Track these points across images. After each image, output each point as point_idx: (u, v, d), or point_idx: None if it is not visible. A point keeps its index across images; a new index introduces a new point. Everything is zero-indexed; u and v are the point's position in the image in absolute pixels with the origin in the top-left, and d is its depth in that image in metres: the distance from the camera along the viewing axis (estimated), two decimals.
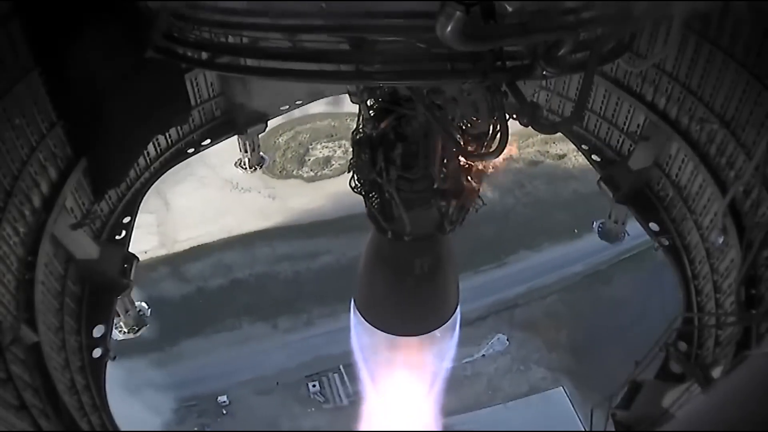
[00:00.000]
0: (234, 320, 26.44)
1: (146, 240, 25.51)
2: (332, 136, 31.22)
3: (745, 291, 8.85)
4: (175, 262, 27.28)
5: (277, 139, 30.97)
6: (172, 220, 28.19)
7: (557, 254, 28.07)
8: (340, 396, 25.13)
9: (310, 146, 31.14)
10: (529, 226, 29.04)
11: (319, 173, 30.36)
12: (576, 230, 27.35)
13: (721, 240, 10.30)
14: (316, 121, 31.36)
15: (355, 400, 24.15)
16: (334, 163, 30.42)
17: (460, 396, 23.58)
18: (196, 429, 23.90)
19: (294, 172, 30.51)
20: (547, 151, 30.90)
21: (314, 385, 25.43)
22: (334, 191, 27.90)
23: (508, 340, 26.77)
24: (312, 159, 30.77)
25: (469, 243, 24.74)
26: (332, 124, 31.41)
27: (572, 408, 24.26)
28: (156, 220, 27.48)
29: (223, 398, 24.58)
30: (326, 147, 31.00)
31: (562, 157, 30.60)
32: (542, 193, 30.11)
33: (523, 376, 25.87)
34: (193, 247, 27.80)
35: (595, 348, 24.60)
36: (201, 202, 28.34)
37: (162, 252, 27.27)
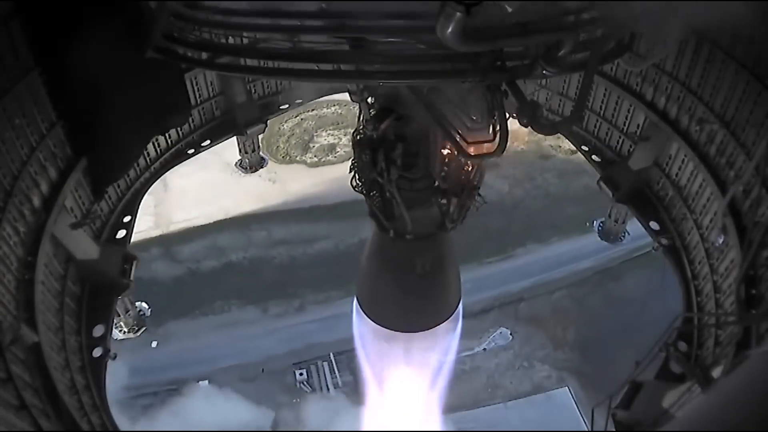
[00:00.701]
0: (223, 303, 25.96)
1: (142, 220, 24.68)
2: (338, 123, 30.96)
3: (745, 291, 8.84)
4: (168, 242, 26.78)
5: (282, 125, 30.75)
6: (169, 201, 27.79)
7: (566, 249, 27.21)
8: (327, 386, 24.46)
9: (315, 133, 30.84)
10: (537, 219, 28.24)
11: (322, 159, 29.94)
12: (588, 224, 26.35)
13: (721, 240, 10.29)
14: (323, 109, 31.13)
15: (344, 391, 23.76)
16: (339, 150, 30.04)
17: (457, 392, 22.45)
18: None
19: (297, 158, 30.09)
20: (560, 146, 30.48)
21: (301, 374, 24.57)
22: (337, 177, 27.08)
23: (511, 334, 25.83)
24: (317, 146, 30.41)
25: (475, 234, 24.22)
26: (338, 111, 31.14)
27: (578, 410, 23.21)
28: (153, 201, 27.05)
29: (204, 383, 23.84)
30: (331, 134, 30.71)
31: (574, 152, 30.03)
32: (553, 187, 29.27)
33: (525, 374, 24.94)
34: (188, 228, 27.31)
35: (604, 347, 23.57)
36: (200, 184, 27.93)
37: (156, 232, 26.81)
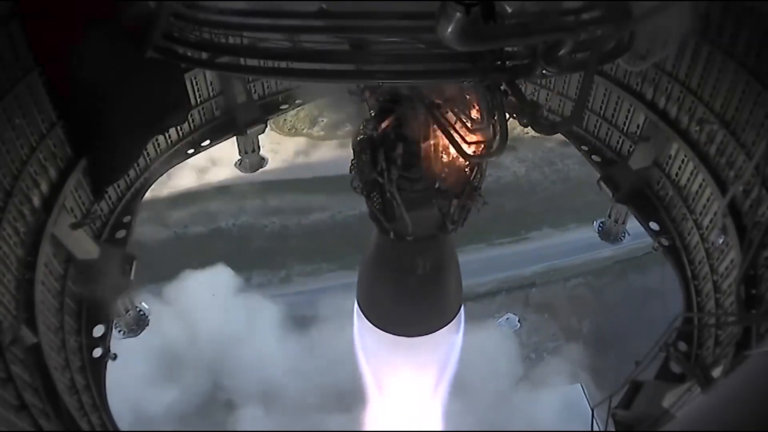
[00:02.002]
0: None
1: None
2: None
3: (745, 291, 8.84)
4: (159, 207, 25.70)
5: None
6: None
7: (586, 235, 24.47)
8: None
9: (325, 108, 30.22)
10: (556, 203, 26.56)
11: (329, 134, 29.01)
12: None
13: (721, 240, 10.30)
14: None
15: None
16: (348, 125, 29.33)
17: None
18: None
19: (303, 131, 29.14)
20: None
21: None
22: (341, 151, 25.85)
23: (519, 321, 23.94)
24: (325, 120, 29.36)
25: (487, 213, 22.73)
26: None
27: (591, 410, 21.56)
28: None
29: None
30: (342, 110, 29.88)
31: None
32: (574, 173, 27.26)
33: (533, 367, 23.12)
34: (181, 193, 26.42)
35: (623, 342, 21.23)
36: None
37: (148, 196, 26.04)
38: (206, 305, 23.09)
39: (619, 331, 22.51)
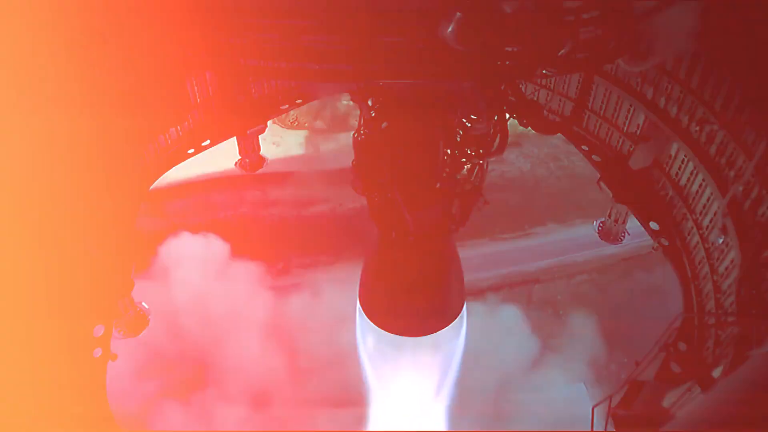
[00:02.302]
0: None
1: None
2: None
3: (745, 291, 8.84)
4: (159, 198, 25.05)
5: None
6: None
7: (590, 232, 23.29)
8: None
9: (328, 102, 29.39)
10: (561, 199, 26.38)
11: (332, 128, 28.87)
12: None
13: (721, 240, 10.29)
14: None
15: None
16: (351, 120, 28.46)
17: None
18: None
19: (306, 124, 29.07)
20: None
21: None
22: (345, 144, 24.97)
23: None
24: (329, 114, 29.21)
25: (490, 208, 22.04)
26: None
27: (591, 409, 20.77)
28: None
29: None
30: (347, 104, 29.08)
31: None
32: (580, 169, 26.67)
33: (535, 364, 22.51)
34: (180, 185, 25.86)
35: (627, 340, 20.55)
36: None
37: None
38: (197, 297, 22.95)
39: (623, 329, 22.00)
